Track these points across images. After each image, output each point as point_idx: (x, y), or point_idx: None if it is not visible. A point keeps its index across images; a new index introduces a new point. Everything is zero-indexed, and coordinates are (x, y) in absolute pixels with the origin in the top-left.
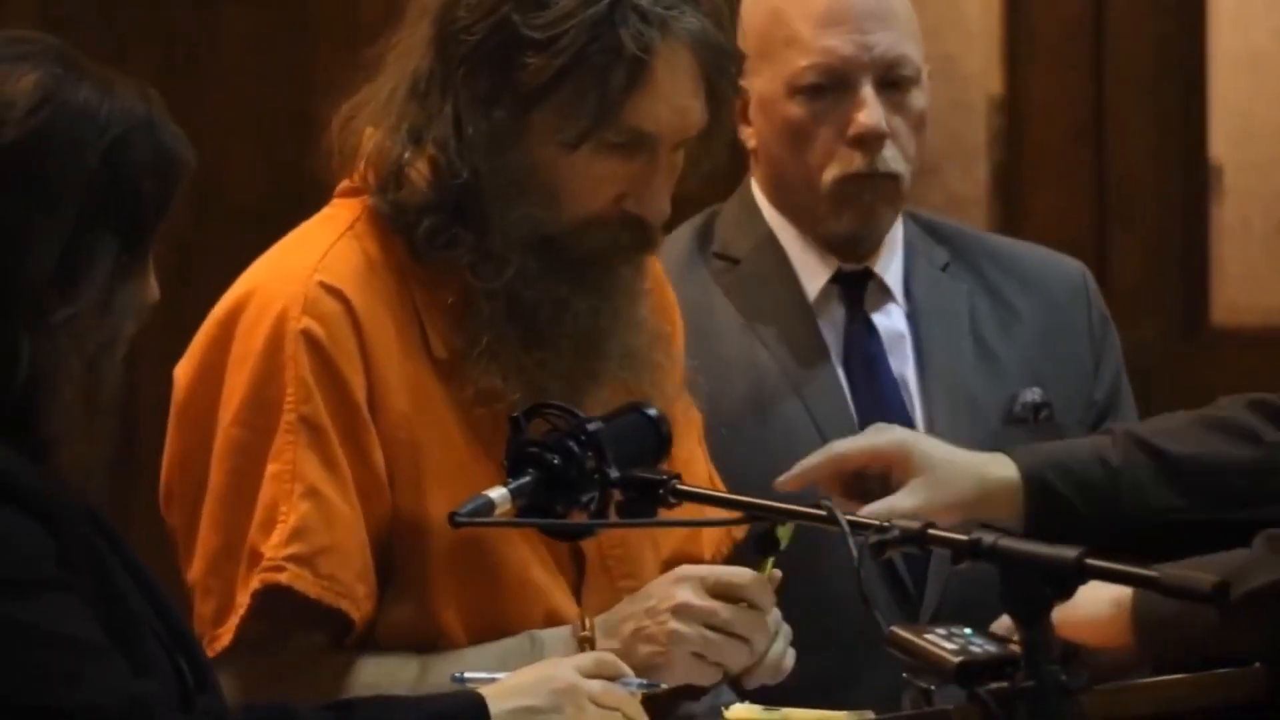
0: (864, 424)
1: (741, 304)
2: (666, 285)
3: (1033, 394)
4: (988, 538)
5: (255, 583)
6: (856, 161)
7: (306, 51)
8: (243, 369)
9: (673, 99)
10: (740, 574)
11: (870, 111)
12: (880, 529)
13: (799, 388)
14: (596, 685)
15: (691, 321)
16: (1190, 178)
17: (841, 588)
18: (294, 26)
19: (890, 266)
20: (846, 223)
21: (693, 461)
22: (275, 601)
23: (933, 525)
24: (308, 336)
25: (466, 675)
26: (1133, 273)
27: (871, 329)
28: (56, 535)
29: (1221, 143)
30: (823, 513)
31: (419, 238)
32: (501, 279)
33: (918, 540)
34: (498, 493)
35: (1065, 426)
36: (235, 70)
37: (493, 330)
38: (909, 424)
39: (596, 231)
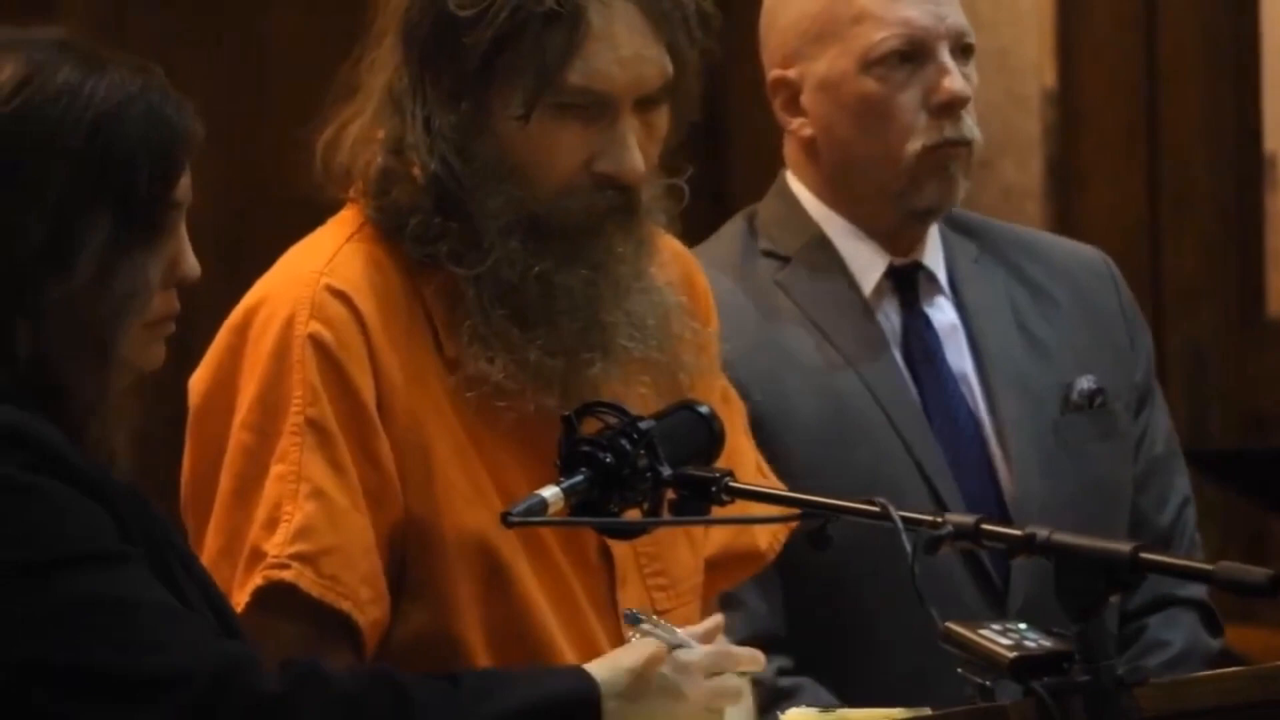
0: (930, 416)
1: (799, 300)
2: (697, 271)
3: (1087, 381)
4: (1042, 532)
5: (258, 579)
6: (945, 130)
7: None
8: (253, 375)
9: (618, 52)
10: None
11: (955, 78)
12: (934, 525)
13: (868, 383)
14: (713, 686)
15: (758, 319)
16: (1244, 169)
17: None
18: (343, 27)
19: (935, 259)
20: (929, 195)
21: (738, 453)
22: (277, 600)
23: (986, 520)
24: (315, 340)
25: (642, 623)
26: (1188, 264)
27: (928, 323)
28: (114, 514)
29: (1276, 133)
30: (876, 509)
31: (407, 238)
32: (485, 264)
33: (971, 536)
34: (550, 491)
35: (1115, 412)
36: (287, 68)
37: (480, 314)
38: (971, 415)
39: (573, 200)
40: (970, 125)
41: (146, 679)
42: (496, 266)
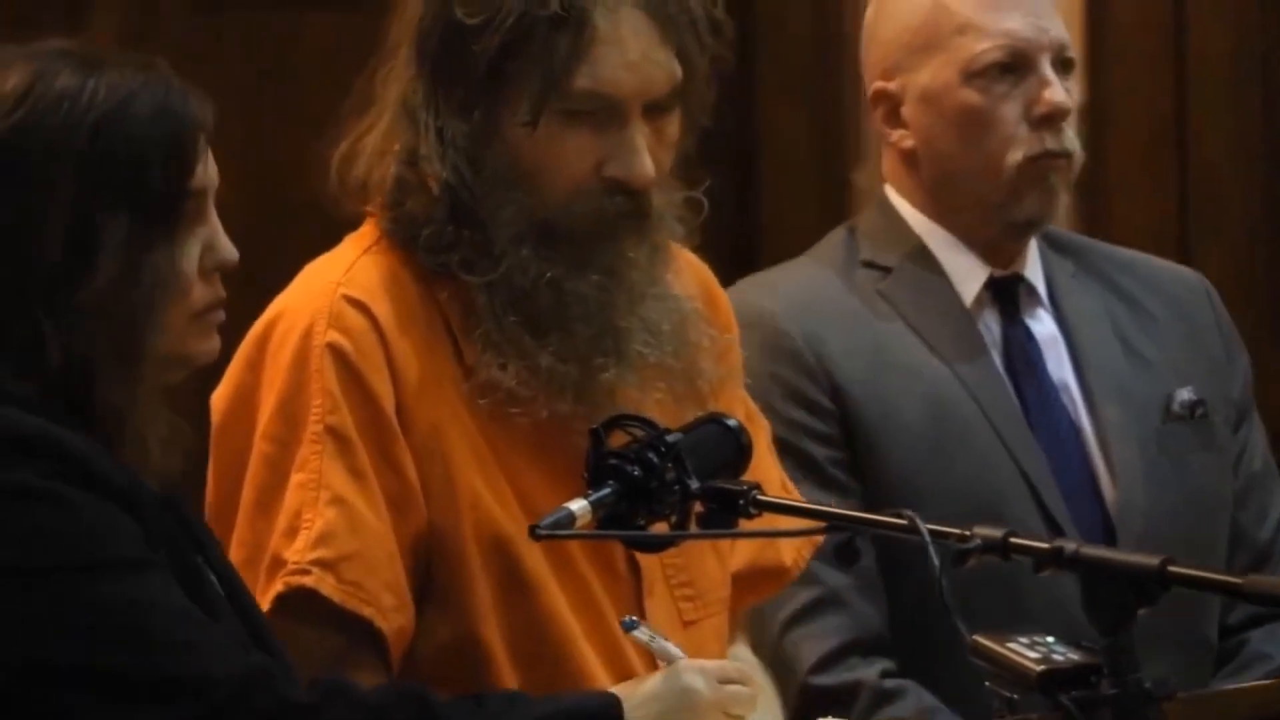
0: (1033, 426)
1: (901, 310)
2: (714, 282)
3: (1188, 392)
4: (1069, 546)
5: (279, 585)
6: (1046, 141)
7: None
8: (273, 386)
9: (625, 57)
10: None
11: (1057, 90)
12: (961, 538)
13: (972, 391)
14: (729, 692)
15: (861, 327)
16: (1273, 177)
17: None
18: (372, 32)
19: (1034, 272)
20: (1030, 206)
21: (763, 469)
22: (299, 607)
23: (1014, 534)
24: (334, 349)
25: (637, 631)
26: (1218, 273)
27: (1028, 333)
28: (140, 520)
29: None
30: (904, 522)
31: (421, 247)
32: (497, 271)
33: (999, 549)
34: (578, 504)
35: (1215, 424)
36: (316, 74)
37: (492, 321)
38: (1073, 424)
39: (584, 205)
40: (1071, 137)
41: (162, 682)
42: (508, 273)
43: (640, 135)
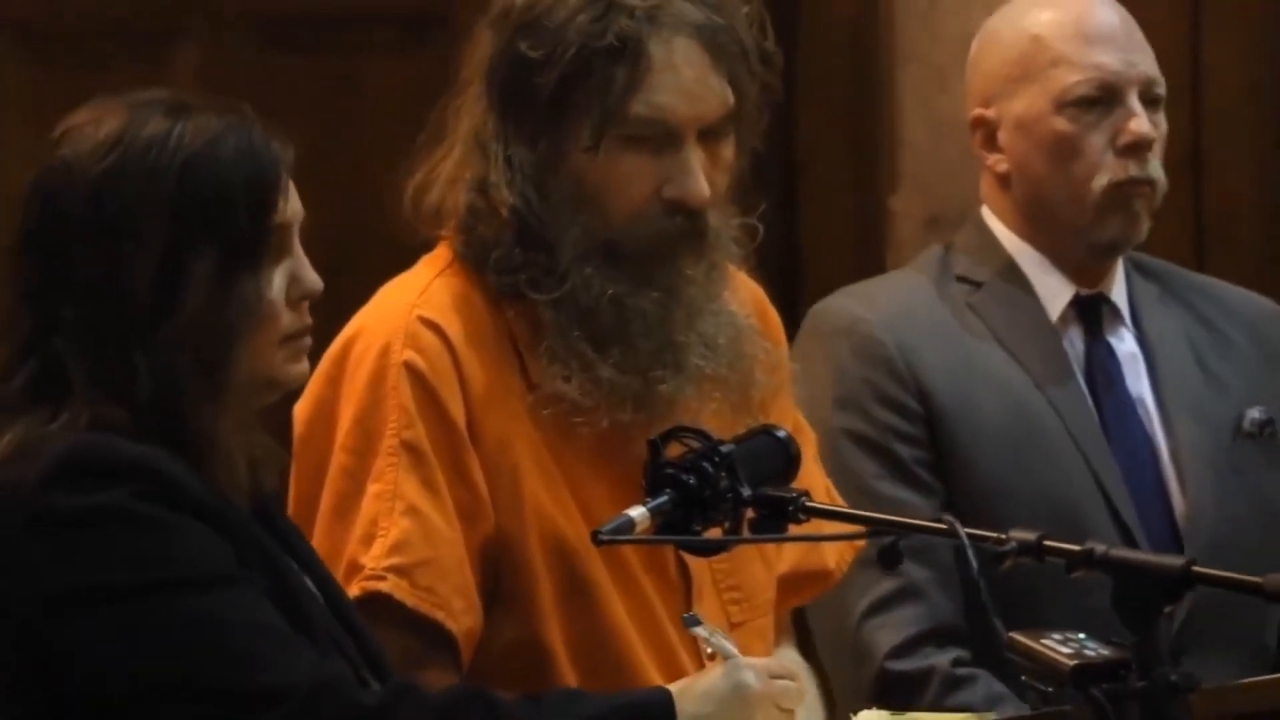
0: (1110, 439)
1: (991, 323)
2: (766, 300)
3: (1258, 411)
4: (1100, 548)
5: (355, 590)
6: (1130, 169)
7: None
8: (351, 402)
9: (679, 86)
10: (788, 661)
11: (1141, 121)
12: (999, 541)
13: (1053, 402)
14: (778, 687)
15: (951, 337)
16: None
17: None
18: (430, 74)
19: (1119, 293)
20: (1113, 229)
21: (809, 478)
22: (375, 611)
23: (1048, 537)
24: (410, 368)
25: (699, 627)
26: None
27: (1110, 351)
28: (230, 538)
29: None
30: (944, 526)
31: (490, 269)
32: (561, 289)
33: (1034, 552)
34: (637, 511)
35: None
36: (379, 112)
37: (558, 336)
38: (1148, 439)
39: (644, 225)
40: (1155, 166)
41: (239, 693)
42: (573, 291)
43: (696, 158)
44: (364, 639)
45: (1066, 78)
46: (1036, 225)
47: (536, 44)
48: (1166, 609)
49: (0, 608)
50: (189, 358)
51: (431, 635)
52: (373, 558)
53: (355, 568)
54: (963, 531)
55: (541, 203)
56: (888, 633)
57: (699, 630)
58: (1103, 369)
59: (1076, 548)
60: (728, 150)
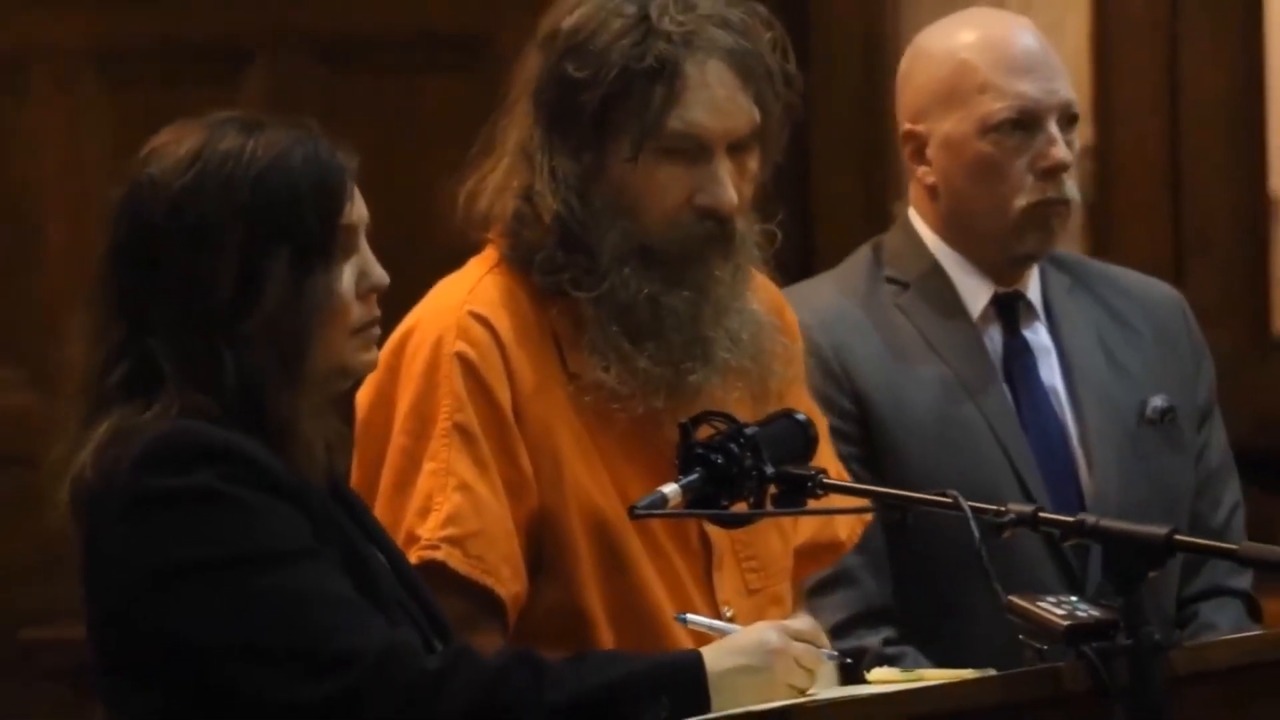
0: (1026, 428)
1: (916, 321)
2: (784, 301)
3: (1160, 399)
4: (1090, 519)
5: (413, 559)
6: (1047, 191)
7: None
8: (408, 389)
9: (711, 104)
10: (807, 623)
11: (1059, 148)
12: (998, 513)
13: (973, 395)
14: (800, 648)
15: (881, 335)
16: (1254, 212)
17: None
18: (481, 92)
19: (1034, 290)
20: (1030, 244)
21: (822, 458)
22: (430, 578)
23: (1043, 509)
24: (461, 358)
25: (690, 617)
26: (1207, 293)
27: (1026, 345)
28: (308, 514)
29: None
30: (949, 500)
31: (535, 269)
32: (601, 288)
33: (1030, 523)
34: (670, 488)
35: (1182, 428)
36: (434, 126)
37: (598, 330)
38: (1060, 425)
39: (678, 230)
40: (1070, 187)
41: (315, 659)
42: (612, 290)
43: (725, 170)
44: (429, 605)
45: (991, 104)
46: (959, 234)
47: (582, 65)
48: (1151, 574)
49: (101, 581)
50: (269, 350)
51: (481, 600)
52: (428, 529)
53: (412, 538)
54: (966, 505)
55: (583, 210)
56: (823, 616)
57: (695, 621)
58: (1019, 362)
59: (1070, 519)
60: (753, 163)
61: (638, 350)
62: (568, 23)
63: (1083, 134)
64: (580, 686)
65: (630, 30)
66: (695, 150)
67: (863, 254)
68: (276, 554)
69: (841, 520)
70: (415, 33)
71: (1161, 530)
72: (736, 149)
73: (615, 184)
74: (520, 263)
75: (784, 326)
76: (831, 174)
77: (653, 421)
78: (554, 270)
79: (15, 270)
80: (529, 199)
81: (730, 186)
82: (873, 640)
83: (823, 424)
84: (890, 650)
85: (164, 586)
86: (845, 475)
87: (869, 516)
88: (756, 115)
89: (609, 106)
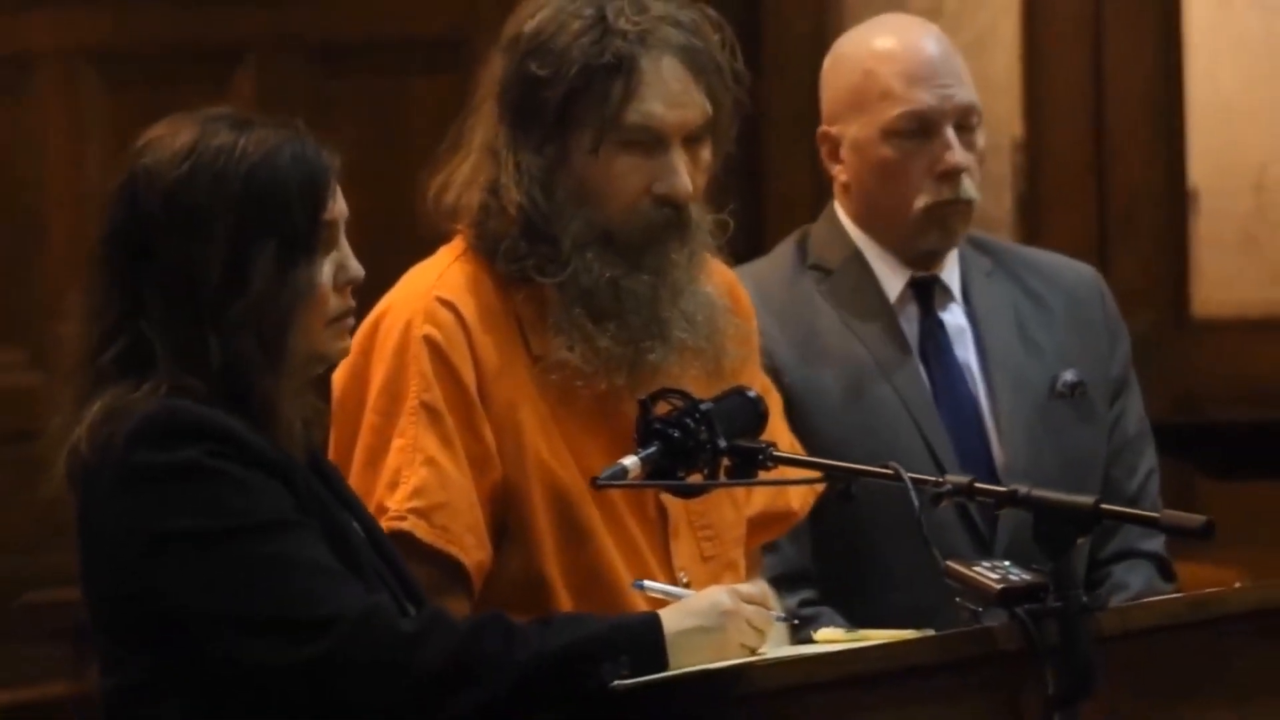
0: (940, 405)
1: (837, 306)
2: (737, 284)
3: (1070, 374)
4: (1023, 489)
5: (383, 529)
6: (944, 192)
7: None
8: (379, 369)
9: (666, 97)
10: (759, 587)
11: (955, 151)
12: (937, 484)
13: (889, 375)
14: (751, 610)
15: (800, 321)
16: (1174, 200)
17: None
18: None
19: (951, 273)
20: (932, 241)
21: (775, 433)
22: (398, 547)
23: (978, 480)
24: (428, 340)
25: (646, 583)
26: (1130, 277)
27: (941, 325)
28: (291, 488)
29: (1197, 171)
30: (889, 471)
31: (500, 258)
32: (564, 273)
33: (966, 493)
34: (630, 460)
35: (1093, 400)
36: (421, 126)
37: (562, 312)
38: (973, 402)
39: (637, 218)
40: (968, 187)
41: (306, 624)
42: (575, 274)
43: (680, 160)
44: (402, 572)
45: (891, 110)
46: (871, 227)
47: (544, 64)
48: (1079, 540)
49: (95, 550)
50: (253, 335)
51: (447, 568)
52: (396, 501)
53: (381, 510)
54: (906, 476)
55: (546, 201)
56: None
57: (651, 587)
58: (933, 342)
59: (1003, 489)
60: (706, 153)
61: (600, 330)
62: (529, 26)
63: (1013, 128)
64: (546, 646)
65: (589, 30)
66: (652, 141)
67: (789, 243)
68: (261, 525)
69: (794, 492)
70: (396, 36)
71: (1089, 500)
72: (690, 140)
73: (577, 175)
74: (486, 252)
75: (737, 308)
76: (782, 168)
77: (613, 398)
78: (518, 258)
79: (19, 260)
80: (494, 192)
81: (685, 175)
82: (790, 601)
83: (775, 399)
84: (807, 611)
85: (155, 554)
86: (799, 447)
87: (820, 488)
88: (708, 108)
89: (570, 102)
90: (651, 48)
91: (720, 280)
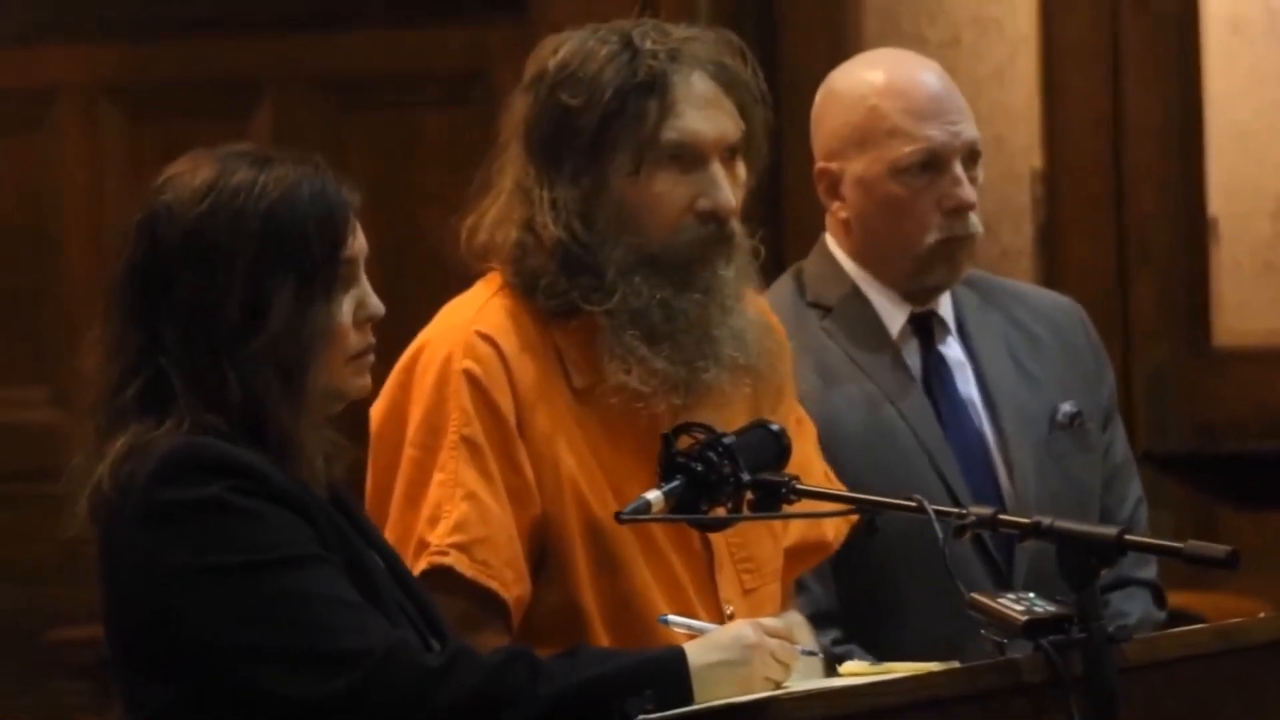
0: (948, 438)
1: (841, 343)
2: (768, 307)
3: (1069, 405)
4: (1046, 520)
5: (423, 564)
6: (954, 228)
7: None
8: (419, 403)
9: (702, 112)
10: (784, 621)
11: (965, 189)
12: (960, 516)
13: (899, 409)
14: (775, 643)
15: (812, 356)
16: (1193, 230)
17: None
18: (476, 129)
19: (946, 308)
20: (938, 275)
21: (809, 463)
22: (439, 582)
23: (1002, 511)
24: (468, 375)
25: (671, 618)
26: (1150, 306)
27: (942, 359)
28: (312, 522)
29: (1217, 201)
30: (913, 504)
31: (540, 294)
32: (614, 300)
33: (990, 525)
34: (653, 495)
35: (1090, 430)
36: (433, 161)
37: (615, 338)
38: (979, 434)
39: (682, 236)
40: (974, 222)
41: (321, 657)
42: (625, 299)
43: (721, 174)
44: (426, 606)
45: (901, 148)
46: (874, 263)
47: (575, 92)
48: (1103, 571)
49: (118, 586)
50: (272, 371)
51: (487, 602)
52: (437, 536)
53: (423, 545)
54: (930, 509)
55: (586, 232)
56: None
57: (675, 622)
58: (937, 376)
59: (1027, 520)
60: (742, 170)
61: (654, 352)
62: (556, 59)
63: (1032, 158)
64: (571, 681)
65: (617, 55)
66: (692, 158)
67: (785, 282)
68: (283, 559)
69: (829, 523)
70: (412, 71)
71: (1112, 531)
72: (727, 156)
73: (617, 201)
74: (524, 288)
75: (774, 327)
76: (804, 199)
77: (654, 430)
78: (559, 293)
79: (39, 294)
80: (530, 229)
81: (728, 188)
82: (822, 641)
83: (809, 429)
84: (838, 650)
85: (178, 589)
86: (834, 479)
87: (853, 519)
88: (741, 123)
89: (605, 127)
90: (682, 64)
91: (751, 301)
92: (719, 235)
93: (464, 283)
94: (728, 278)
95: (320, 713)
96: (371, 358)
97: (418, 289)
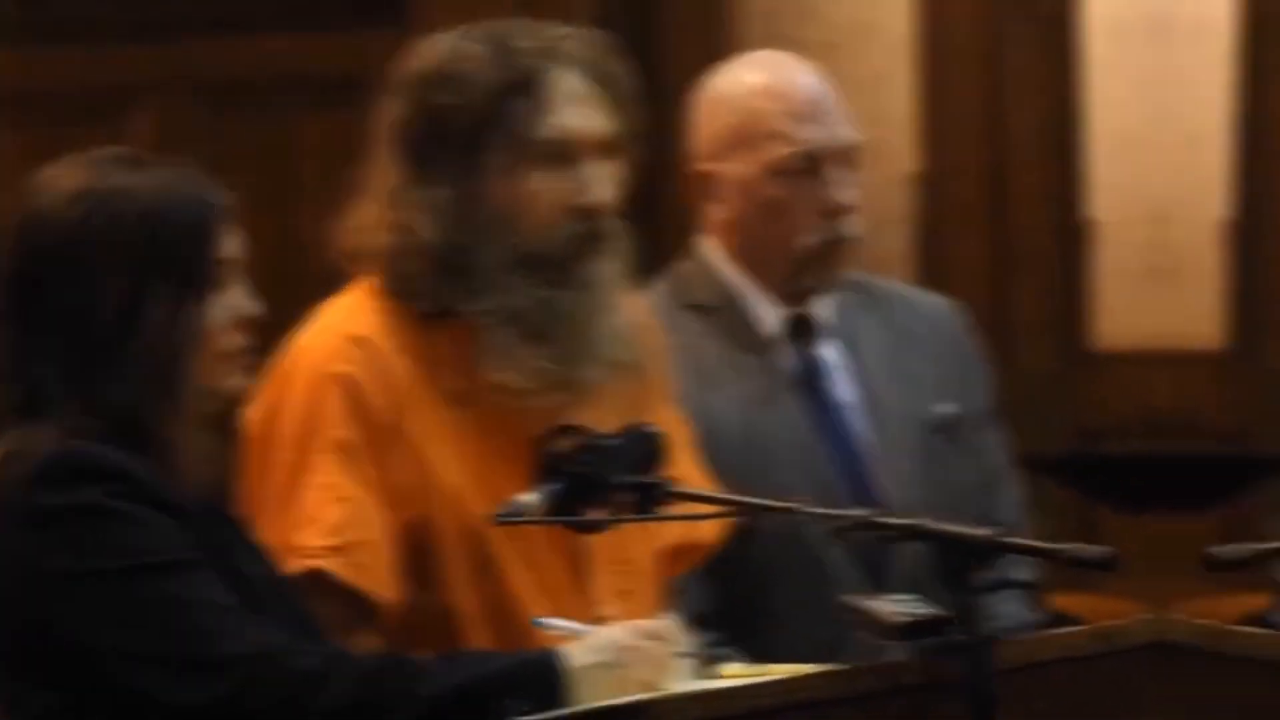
0: (822, 439)
1: (717, 344)
2: (643, 305)
3: (946, 406)
4: (925, 522)
5: (297, 567)
6: (831, 230)
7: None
8: (292, 407)
9: (576, 109)
10: (661, 623)
11: (843, 190)
12: (837, 517)
13: (772, 411)
14: (650, 645)
15: (687, 357)
16: (1069, 234)
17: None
18: (357, 130)
19: (824, 309)
20: (814, 277)
21: (685, 465)
22: (313, 586)
23: (881, 513)
24: (341, 378)
25: (546, 620)
26: (1030, 310)
27: (818, 361)
28: (189, 526)
29: (1094, 205)
30: (790, 506)
31: (415, 296)
32: (491, 300)
33: (867, 526)
34: (530, 496)
35: (966, 432)
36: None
37: (493, 338)
38: (855, 437)
39: (557, 232)
40: (852, 224)
41: (207, 663)
42: (502, 299)
43: (595, 170)
44: (299, 611)
45: (779, 149)
46: (751, 265)
47: (448, 94)
48: (979, 572)
49: (1, 592)
50: (148, 374)
51: (360, 606)
52: (311, 539)
53: (295, 548)
54: (806, 510)
55: (461, 233)
56: None
57: (550, 624)
58: (813, 377)
59: (905, 522)
60: (615, 166)
61: (533, 352)
62: (427, 63)
63: (913, 161)
64: (448, 683)
65: (490, 54)
66: (566, 155)
67: (662, 285)
68: (160, 564)
69: (708, 524)
70: (288, 76)
71: (990, 532)
72: (602, 154)
73: (492, 201)
74: (398, 292)
75: (651, 325)
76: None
77: (532, 431)
78: (434, 296)
79: None
80: (403, 232)
81: (603, 184)
82: (700, 644)
83: (686, 431)
84: (716, 652)
85: (56, 594)
86: (710, 478)
87: (731, 521)
88: (615, 121)
89: (479, 127)
90: (555, 63)
91: (632, 300)
92: (594, 231)
93: (342, 285)
94: (605, 276)
95: (199, 718)
96: (248, 357)
97: (296, 291)
